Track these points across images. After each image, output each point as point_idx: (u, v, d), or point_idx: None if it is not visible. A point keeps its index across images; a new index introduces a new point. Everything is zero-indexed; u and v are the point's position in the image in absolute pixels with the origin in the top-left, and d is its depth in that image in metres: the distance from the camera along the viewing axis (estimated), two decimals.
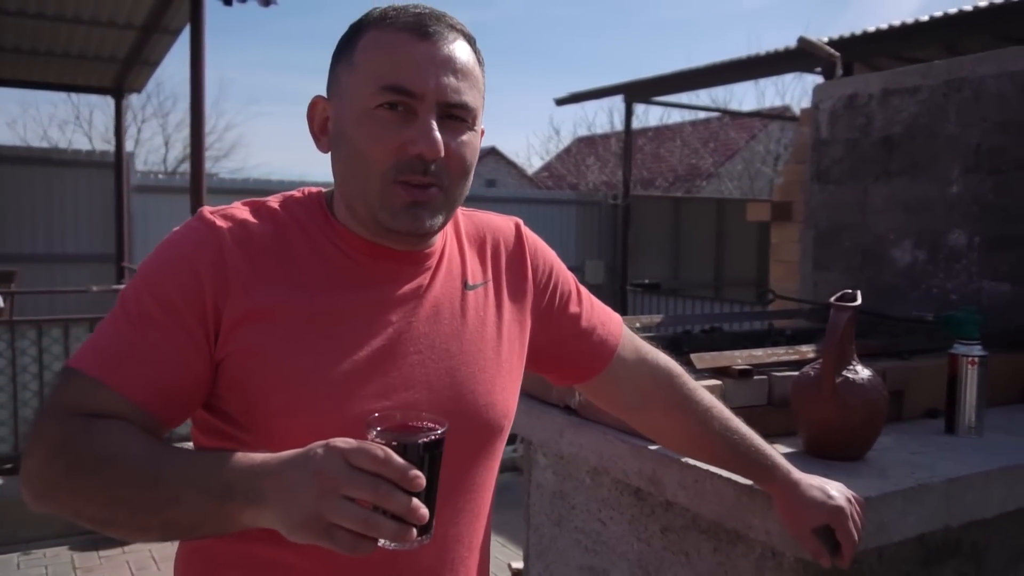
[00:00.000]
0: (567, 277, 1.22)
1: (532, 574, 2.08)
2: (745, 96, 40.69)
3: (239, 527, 0.83)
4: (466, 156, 0.98)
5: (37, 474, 0.86)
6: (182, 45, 6.35)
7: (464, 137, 0.97)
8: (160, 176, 11.66)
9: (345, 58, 0.98)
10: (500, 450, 1.11)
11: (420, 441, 0.81)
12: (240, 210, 1.01)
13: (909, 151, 2.53)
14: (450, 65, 0.95)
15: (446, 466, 1.04)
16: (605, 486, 1.81)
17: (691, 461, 1.48)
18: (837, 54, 3.34)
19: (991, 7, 5.70)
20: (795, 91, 33.16)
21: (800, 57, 7.26)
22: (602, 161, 19.85)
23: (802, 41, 3.53)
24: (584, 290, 1.24)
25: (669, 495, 1.55)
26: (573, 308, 1.20)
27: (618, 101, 13.26)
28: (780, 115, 17.69)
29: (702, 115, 18.63)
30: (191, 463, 0.85)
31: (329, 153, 1.02)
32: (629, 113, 9.81)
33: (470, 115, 0.97)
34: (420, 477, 0.78)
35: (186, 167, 18.50)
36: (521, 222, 1.19)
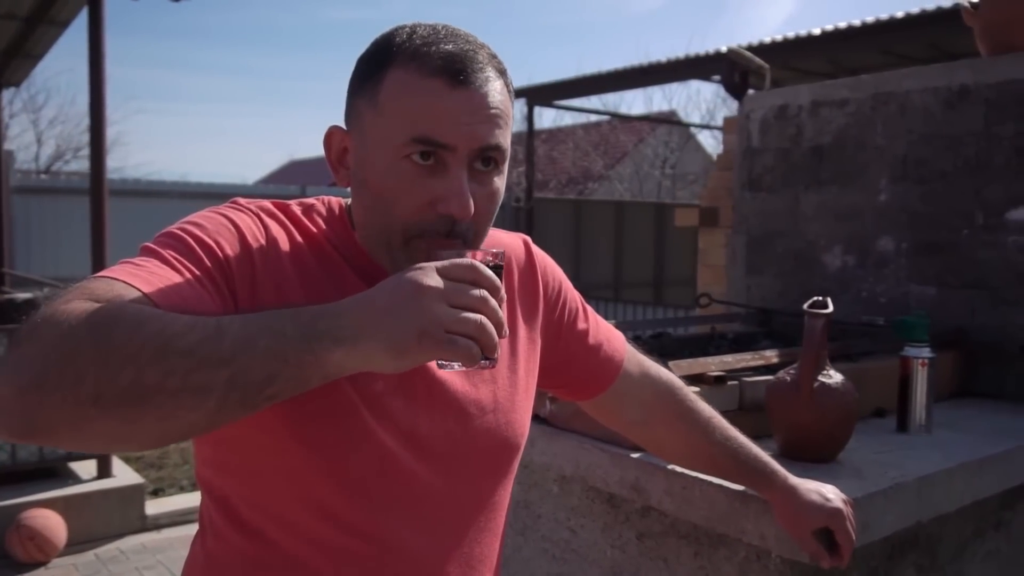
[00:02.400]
0: (574, 294, 1.21)
1: None
2: (634, 100, 41.81)
3: (321, 376, 0.74)
4: (494, 204, 0.94)
5: (44, 351, 0.67)
6: (64, 37, 6.04)
7: (494, 184, 0.93)
8: (43, 176, 10.94)
9: (368, 94, 0.90)
10: (515, 468, 1.10)
11: (491, 261, 0.82)
12: (275, 211, 0.95)
13: (839, 161, 2.65)
14: (484, 112, 0.88)
15: (469, 485, 1.03)
16: (575, 494, 1.81)
17: (678, 468, 1.51)
18: (766, 66, 3.47)
19: (877, 23, 6.05)
20: (681, 97, 34.41)
21: (698, 65, 7.51)
22: None
23: (731, 52, 3.65)
24: (589, 308, 1.24)
25: (654, 502, 1.56)
26: (581, 325, 1.20)
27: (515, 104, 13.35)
28: (667, 119, 18.26)
29: (593, 118, 19.02)
30: (258, 315, 0.75)
31: (348, 187, 0.97)
32: (531, 117, 9.89)
33: (501, 156, 0.92)
34: (503, 289, 0.79)
35: (60, 166, 17.56)
36: (529, 239, 1.18)
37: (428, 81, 0.87)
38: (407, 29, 0.91)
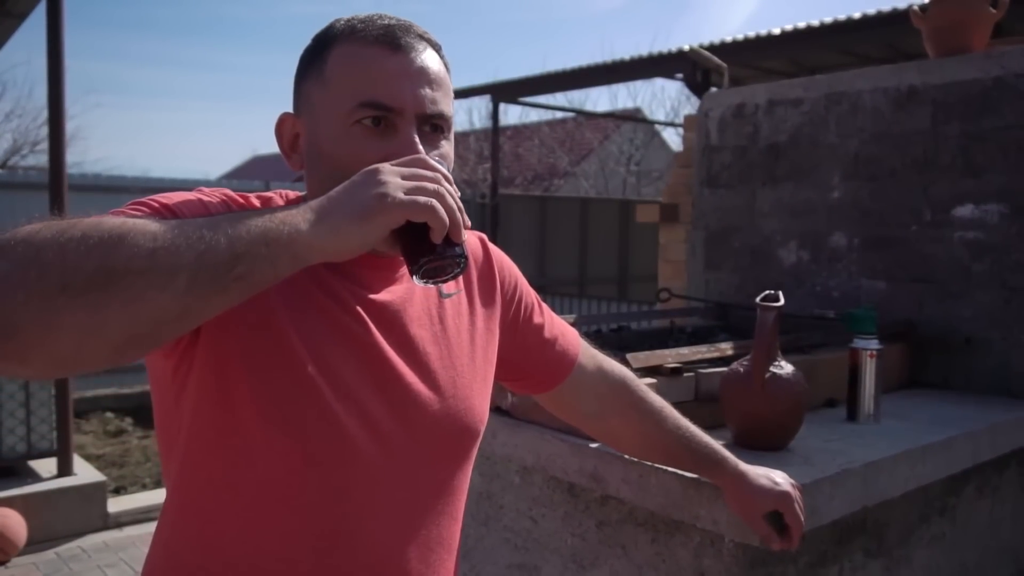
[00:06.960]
0: (529, 291, 1.25)
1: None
2: (599, 98, 42.03)
3: (289, 256, 0.76)
4: (445, 166, 0.97)
5: (7, 254, 0.65)
6: (20, 30, 5.92)
7: (443, 148, 0.98)
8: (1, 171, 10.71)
9: (315, 74, 0.96)
10: (474, 454, 1.14)
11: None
12: (238, 199, 0.97)
13: (794, 158, 2.72)
14: (425, 76, 0.95)
15: (427, 469, 1.06)
16: (536, 484, 1.85)
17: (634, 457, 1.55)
18: (724, 65, 3.53)
19: (836, 24, 6.17)
20: (645, 94, 34.64)
21: (662, 63, 7.59)
22: (462, 159, 19.94)
23: (692, 52, 3.71)
24: (544, 304, 1.29)
25: (612, 490, 1.61)
26: (537, 320, 1.24)
27: (477, 100, 13.35)
28: (632, 116, 18.37)
29: (559, 115, 19.07)
30: (231, 213, 0.80)
31: (303, 171, 1.00)
32: (496, 113, 9.91)
33: (447, 124, 0.99)
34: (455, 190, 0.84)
35: (17, 160, 17.20)
36: (485, 236, 1.22)
37: (369, 48, 0.94)
38: (345, 17, 0.99)
